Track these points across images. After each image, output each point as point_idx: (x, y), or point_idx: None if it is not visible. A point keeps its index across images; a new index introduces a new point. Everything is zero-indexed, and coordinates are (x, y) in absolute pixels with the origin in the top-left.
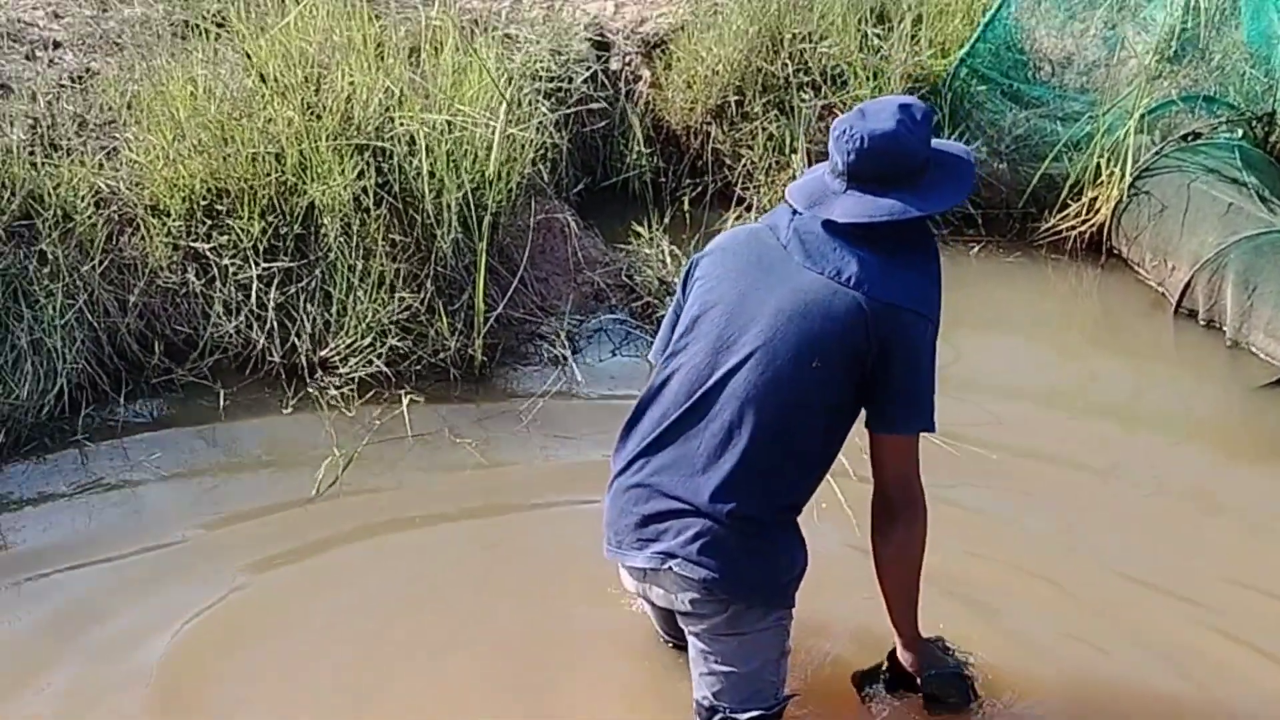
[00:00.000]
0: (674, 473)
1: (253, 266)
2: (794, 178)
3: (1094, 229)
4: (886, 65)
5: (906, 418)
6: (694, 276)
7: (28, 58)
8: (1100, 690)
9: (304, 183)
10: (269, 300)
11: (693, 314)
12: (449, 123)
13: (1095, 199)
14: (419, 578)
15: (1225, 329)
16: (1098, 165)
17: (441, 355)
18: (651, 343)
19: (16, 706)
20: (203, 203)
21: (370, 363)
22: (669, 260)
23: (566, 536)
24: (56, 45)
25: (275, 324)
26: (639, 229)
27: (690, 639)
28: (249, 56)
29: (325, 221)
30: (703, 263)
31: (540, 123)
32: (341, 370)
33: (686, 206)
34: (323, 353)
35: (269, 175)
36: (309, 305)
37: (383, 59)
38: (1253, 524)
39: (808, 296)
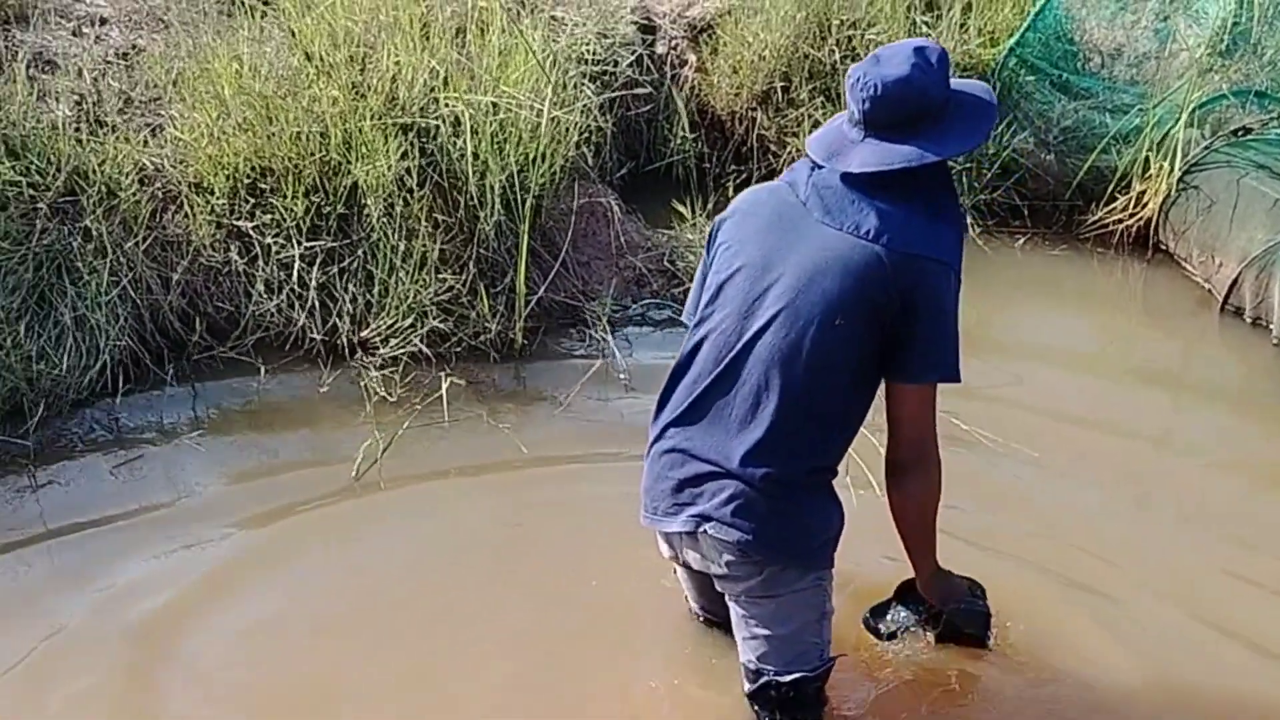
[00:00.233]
0: (707, 437)
1: (295, 246)
2: None
3: (1141, 223)
4: None
5: (924, 368)
6: (717, 240)
7: (74, 34)
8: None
9: (348, 162)
10: (311, 279)
11: (718, 280)
12: (494, 104)
13: (1143, 193)
14: (451, 561)
15: (1272, 327)
16: (1146, 159)
17: (482, 337)
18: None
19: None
20: (246, 181)
21: (410, 343)
22: None
23: (604, 523)
24: (103, 22)
25: (316, 303)
26: (682, 212)
27: (730, 605)
28: (294, 34)
29: (368, 201)
30: (725, 226)
31: (585, 106)
32: (381, 350)
33: (730, 193)
34: (363, 333)
35: (313, 154)
36: (350, 285)
37: (428, 39)
38: None
39: (828, 254)
